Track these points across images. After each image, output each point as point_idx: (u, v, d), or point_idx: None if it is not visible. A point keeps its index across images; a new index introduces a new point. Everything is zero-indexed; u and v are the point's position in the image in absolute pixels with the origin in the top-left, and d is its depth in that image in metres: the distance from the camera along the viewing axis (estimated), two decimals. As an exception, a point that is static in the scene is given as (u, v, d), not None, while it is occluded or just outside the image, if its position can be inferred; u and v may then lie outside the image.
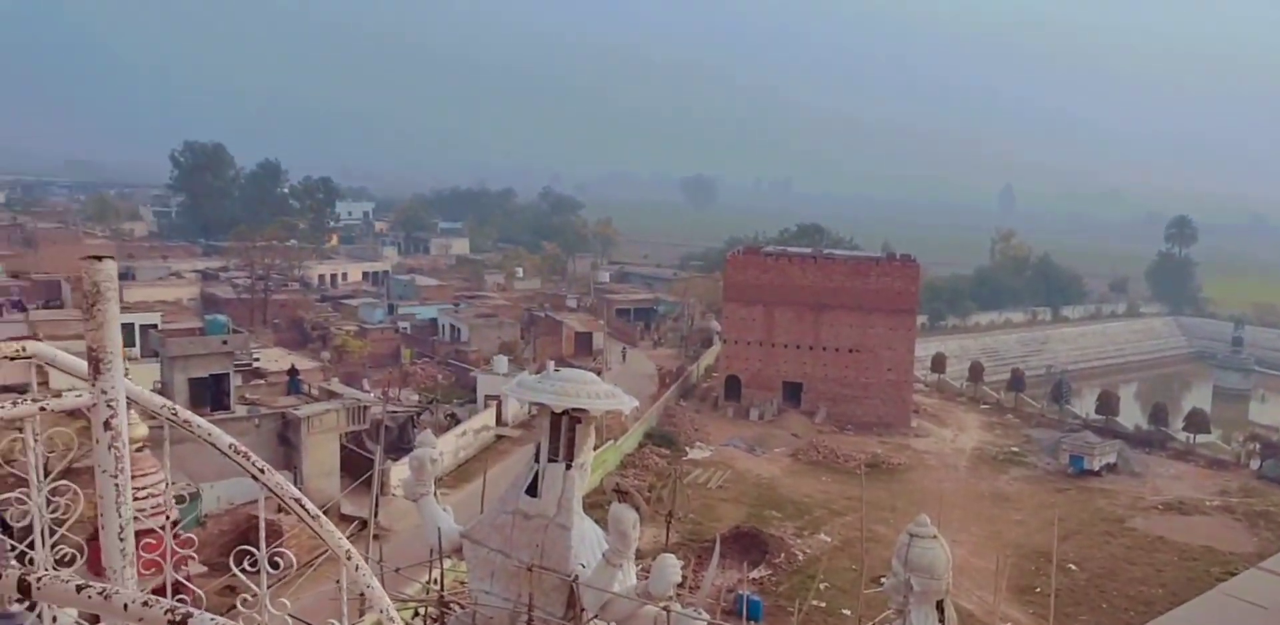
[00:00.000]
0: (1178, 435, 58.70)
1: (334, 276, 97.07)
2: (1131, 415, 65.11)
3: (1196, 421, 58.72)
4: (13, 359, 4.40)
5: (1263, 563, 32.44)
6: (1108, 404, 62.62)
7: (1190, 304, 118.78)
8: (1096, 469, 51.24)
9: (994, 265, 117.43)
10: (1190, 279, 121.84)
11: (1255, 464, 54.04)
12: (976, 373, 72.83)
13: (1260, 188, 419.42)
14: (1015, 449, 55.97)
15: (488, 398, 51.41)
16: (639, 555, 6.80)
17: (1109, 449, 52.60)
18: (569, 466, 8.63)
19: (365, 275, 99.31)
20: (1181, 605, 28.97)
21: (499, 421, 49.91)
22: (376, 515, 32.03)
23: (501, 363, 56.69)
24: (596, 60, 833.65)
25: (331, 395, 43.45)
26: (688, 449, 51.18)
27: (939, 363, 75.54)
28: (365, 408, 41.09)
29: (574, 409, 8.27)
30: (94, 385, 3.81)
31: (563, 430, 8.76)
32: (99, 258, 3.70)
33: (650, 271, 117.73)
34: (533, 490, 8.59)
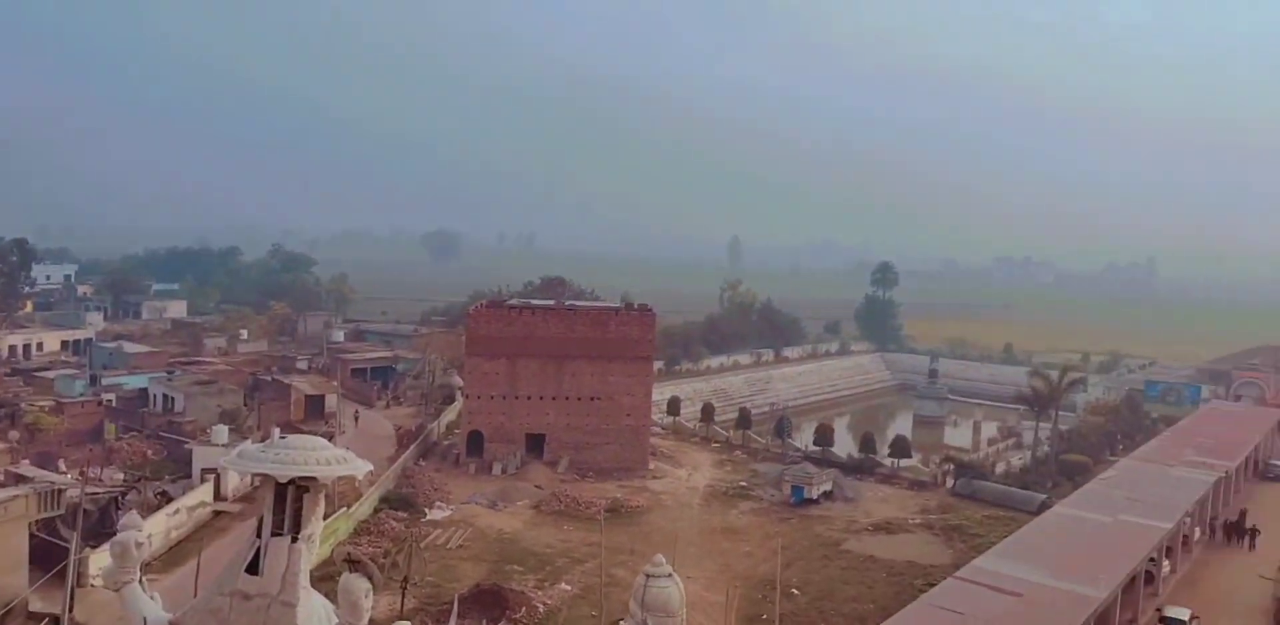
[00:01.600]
0: (884, 461, 64.21)
1: (27, 347, 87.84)
2: (845, 445, 70.46)
3: (900, 447, 64.56)
4: None
5: (957, 572, 36.09)
6: (824, 436, 67.56)
7: (894, 341, 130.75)
8: (815, 497, 54.92)
9: (723, 312, 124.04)
10: (893, 318, 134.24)
11: (949, 483, 60.05)
12: (708, 413, 76.45)
13: (951, 236, 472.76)
14: (743, 483, 58.99)
15: (205, 471, 47.97)
16: (374, 625, 6.68)
17: (826, 478, 56.59)
18: (295, 539, 8.25)
19: (65, 344, 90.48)
20: (890, 618, 31.50)
21: (218, 497, 46.67)
22: (71, 610, 29.08)
23: (221, 433, 53.14)
24: (320, 113, 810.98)
25: (20, 479, 39.17)
26: (427, 510, 50.03)
27: (674, 406, 78.59)
28: (60, 491, 37.09)
29: (301, 478, 7.95)
30: None
31: (289, 501, 8.36)
32: None
33: (389, 329, 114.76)
34: (254, 568, 8.16)
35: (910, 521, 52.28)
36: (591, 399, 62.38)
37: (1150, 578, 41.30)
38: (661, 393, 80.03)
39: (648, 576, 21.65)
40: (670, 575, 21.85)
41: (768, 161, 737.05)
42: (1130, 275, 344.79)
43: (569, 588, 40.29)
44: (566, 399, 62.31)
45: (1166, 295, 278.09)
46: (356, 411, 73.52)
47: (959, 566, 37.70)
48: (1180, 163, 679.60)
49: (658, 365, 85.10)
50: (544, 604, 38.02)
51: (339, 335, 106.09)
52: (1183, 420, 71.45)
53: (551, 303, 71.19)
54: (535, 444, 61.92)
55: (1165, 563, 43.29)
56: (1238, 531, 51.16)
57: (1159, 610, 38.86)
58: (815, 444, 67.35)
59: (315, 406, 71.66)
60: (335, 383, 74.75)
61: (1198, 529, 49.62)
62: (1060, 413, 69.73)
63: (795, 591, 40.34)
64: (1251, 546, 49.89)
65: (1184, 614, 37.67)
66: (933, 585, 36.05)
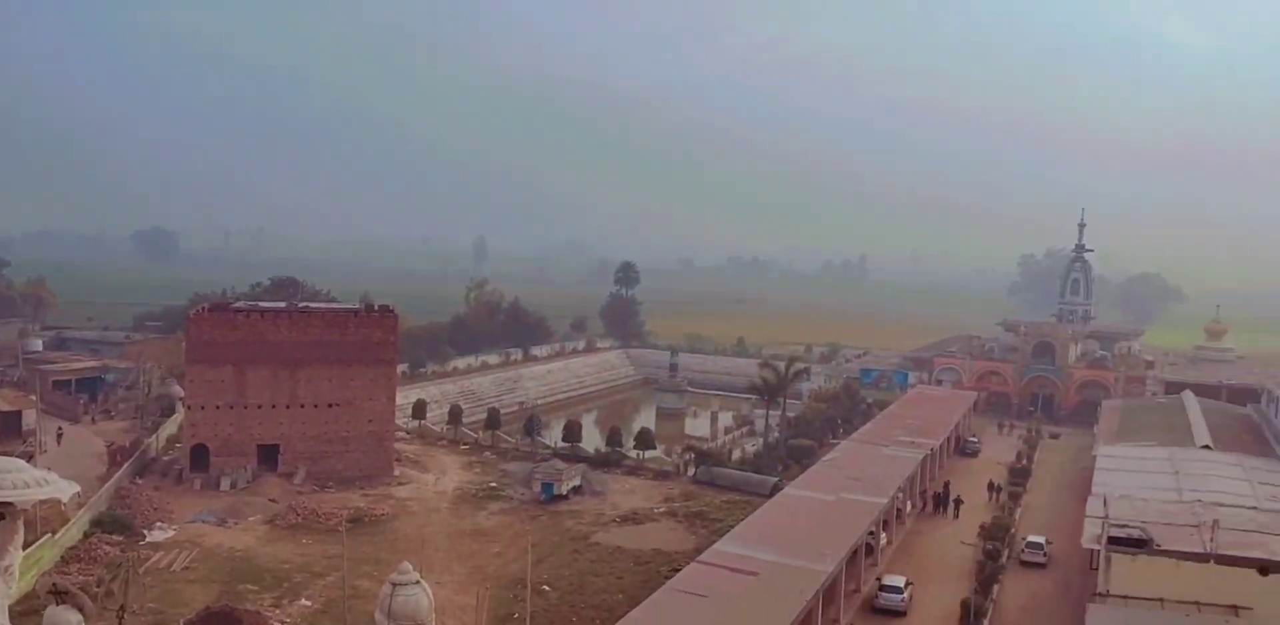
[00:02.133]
0: (630, 453, 65.96)
1: None
2: (593, 440, 71.64)
3: (644, 440, 66.52)
4: None
5: (700, 556, 37.58)
6: (572, 432, 68.45)
7: (637, 337, 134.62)
8: (565, 493, 55.50)
9: (470, 312, 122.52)
10: (635, 316, 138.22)
11: (690, 472, 62.57)
12: (456, 415, 75.29)
13: (688, 237, 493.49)
14: (493, 484, 58.56)
15: None
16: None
17: (574, 473, 57.30)
18: (-10, 573, 7.29)
19: None
20: (637, 606, 32.26)
21: (-114, 531, 40.41)
22: None
23: (-111, 458, 46.11)
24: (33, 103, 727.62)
25: None
26: (146, 532, 45.96)
27: (420, 409, 76.74)
28: None
29: (-5, 504, 7.02)
30: None
31: (-19, 530, 7.38)
32: None
33: (96, 336, 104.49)
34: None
35: (655, 511, 53.93)
36: (330, 405, 59.71)
37: (870, 549, 44.94)
38: (406, 396, 78.02)
39: (394, 585, 21.01)
40: (417, 582, 21.31)
41: (513, 163, 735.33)
42: (844, 273, 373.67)
43: (309, 603, 38.30)
44: (302, 406, 59.26)
45: (876, 290, 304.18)
46: (60, 428, 66.33)
47: (701, 551, 39.26)
48: (885, 167, 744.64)
49: (401, 368, 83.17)
50: (282, 623, 35.94)
51: (37, 344, 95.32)
52: (893, 404, 78.34)
53: (283, 305, 67.40)
54: (268, 455, 58.44)
55: (883, 535, 47.24)
56: (943, 502, 56.83)
57: (878, 579, 42.36)
58: (564, 440, 68.05)
59: (10, 424, 64.16)
60: (33, 397, 66.96)
61: (909, 502, 54.59)
62: (788, 401, 74.39)
63: (546, 588, 40.50)
64: (955, 515, 55.57)
65: (900, 581, 41.27)
66: (677, 571, 37.24)
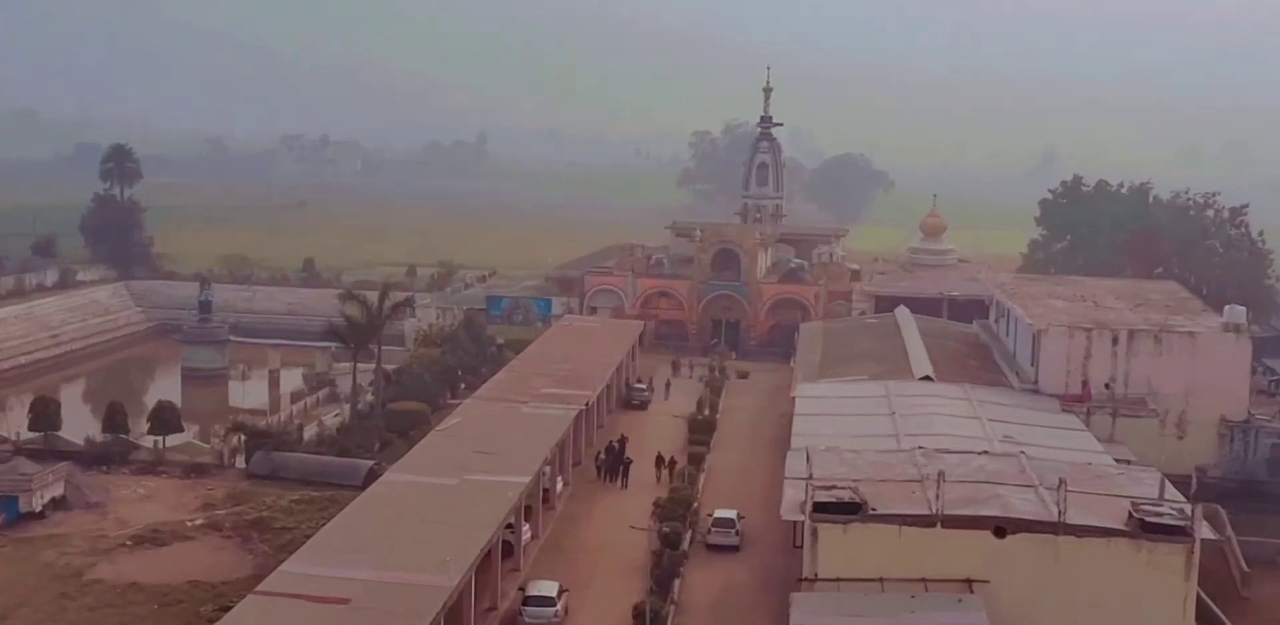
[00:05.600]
0: (144, 441, 63.07)
1: None
2: (82, 425, 67.96)
3: (165, 419, 63.87)
4: None
5: (261, 585, 36.64)
6: (45, 415, 64.15)
7: (142, 263, 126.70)
8: (39, 509, 52.21)
9: None
10: (138, 229, 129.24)
11: (241, 462, 60.94)
12: None
13: (218, 108, 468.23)
14: (-86, 504, 53.66)
15: None
16: None
17: (52, 478, 53.88)
18: None
19: None
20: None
21: None
22: None
23: None
24: None
25: None
26: None
27: None
28: None
29: None
30: None
31: None
32: None
33: None
34: None
35: (190, 524, 52.37)
36: None
37: (509, 548, 46.27)
38: None
39: None
40: None
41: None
42: (458, 157, 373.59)
43: None
44: None
45: (502, 182, 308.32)
46: None
47: (264, 576, 38.50)
48: (520, 29, 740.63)
49: None
50: None
51: None
52: (533, 344, 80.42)
53: None
54: None
55: (525, 527, 48.73)
56: (611, 469, 59.92)
57: (522, 588, 43.73)
58: (32, 428, 64.03)
59: None
60: None
61: (560, 478, 56.68)
62: (384, 348, 74.12)
63: (17, 657, 37.95)
64: (624, 484, 58.81)
65: (551, 589, 42.86)
66: (228, 609, 36.29)
